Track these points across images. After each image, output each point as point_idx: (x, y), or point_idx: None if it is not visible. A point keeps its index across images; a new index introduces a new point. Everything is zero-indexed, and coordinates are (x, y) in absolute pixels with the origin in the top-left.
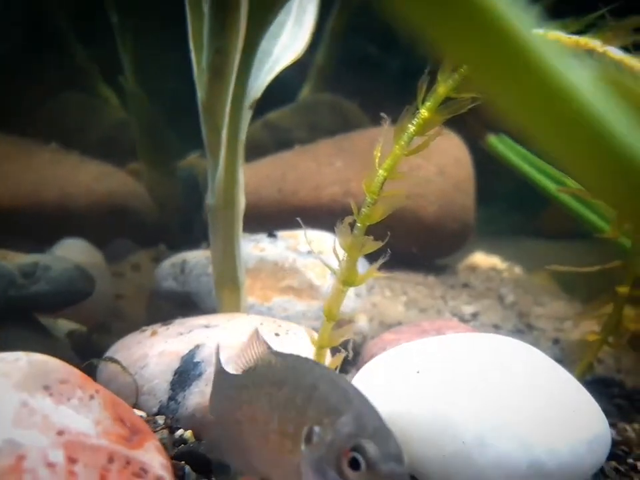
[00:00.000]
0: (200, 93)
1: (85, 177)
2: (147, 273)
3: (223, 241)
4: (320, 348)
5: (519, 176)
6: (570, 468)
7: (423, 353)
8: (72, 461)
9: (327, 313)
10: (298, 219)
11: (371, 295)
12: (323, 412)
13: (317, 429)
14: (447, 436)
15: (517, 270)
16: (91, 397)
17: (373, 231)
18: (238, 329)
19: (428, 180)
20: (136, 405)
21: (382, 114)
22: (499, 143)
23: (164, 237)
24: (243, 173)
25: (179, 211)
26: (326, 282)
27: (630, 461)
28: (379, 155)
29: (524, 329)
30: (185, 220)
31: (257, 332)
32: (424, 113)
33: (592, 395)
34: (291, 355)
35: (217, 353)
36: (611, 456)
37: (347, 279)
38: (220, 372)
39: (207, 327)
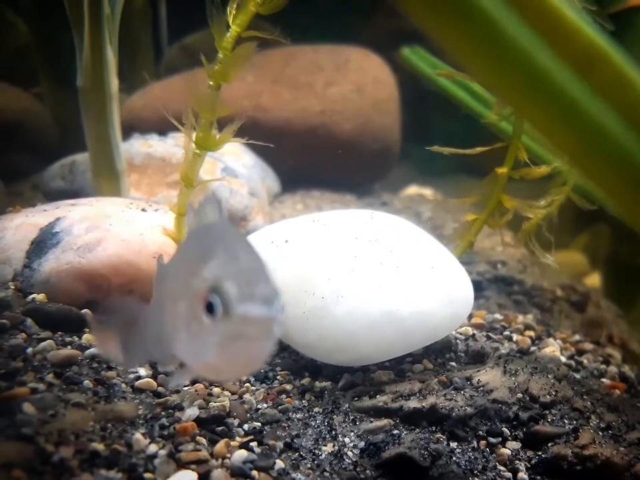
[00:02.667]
0: None
1: None
2: None
3: (95, 126)
4: (179, 215)
5: (458, 116)
6: (424, 316)
7: (296, 225)
8: None
9: (183, 178)
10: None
11: (281, 208)
12: (199, 266)
13: (192, 282)
14: (307, 294)
15: (443, 197)
16: None
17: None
18: (103, 206)
19: (344, 97)
20: None
21: None
22: (412, 55)
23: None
24: (114, 54)
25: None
26: (215, 176)
27: (506, 333)
28: (233, 12)
29: (436, 238)
30: None
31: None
32: None
33: (492, 292)
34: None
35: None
36: (489, 329)
37: (202, 141)
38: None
39: (73, 205)
